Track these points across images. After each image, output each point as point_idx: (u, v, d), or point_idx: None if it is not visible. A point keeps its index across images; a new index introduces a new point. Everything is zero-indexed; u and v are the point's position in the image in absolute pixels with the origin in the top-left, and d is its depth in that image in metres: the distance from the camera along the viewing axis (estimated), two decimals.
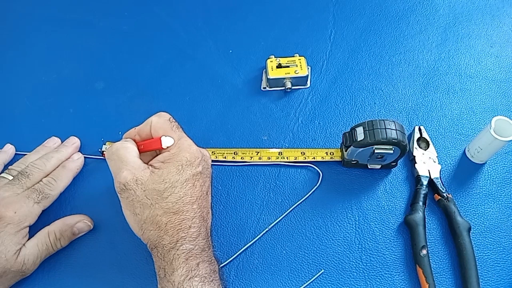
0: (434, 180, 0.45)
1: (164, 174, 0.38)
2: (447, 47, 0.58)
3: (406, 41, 0.59)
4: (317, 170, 0.48)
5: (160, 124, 0.40)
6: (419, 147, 0.48)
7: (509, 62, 0.56)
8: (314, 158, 0.48)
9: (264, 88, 0.55)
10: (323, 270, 0.42)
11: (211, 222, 0.41)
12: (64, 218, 0.43)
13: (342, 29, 0.60)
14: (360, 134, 0.43)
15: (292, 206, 0.46)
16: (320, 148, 0.49)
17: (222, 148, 0.50)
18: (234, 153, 0.49)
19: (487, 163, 0.48)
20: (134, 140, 0.42)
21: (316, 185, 0.47)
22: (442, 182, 0.45)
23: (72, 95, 0.55)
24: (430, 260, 0.41)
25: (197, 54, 0.59)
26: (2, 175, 0.44)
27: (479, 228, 0.44)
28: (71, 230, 0.43)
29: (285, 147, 0.50)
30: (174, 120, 0.41)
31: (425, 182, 0.45)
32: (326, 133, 0.51)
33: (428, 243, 0.42)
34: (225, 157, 0.49)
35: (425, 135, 0.49)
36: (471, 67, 0.56)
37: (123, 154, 0.39)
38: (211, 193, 0.42)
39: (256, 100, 0.54)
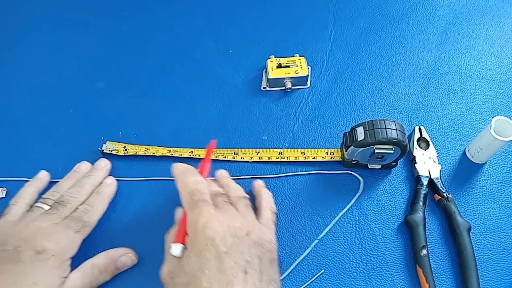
0: (434, 180, 0.45)
1: (185, 266, 0.34)
2: (447, 47, 0.58)
3: (406, 41, 0.59)
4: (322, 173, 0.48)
5: (182, 195, 0.38)
6: (419, 147, 0.48)
7: (509, 62, 0.56)
8: (314, 158, 0.48)
9: (264, 88, 0.55)
10: (323, 270, 0.42)
11: None
12: (108, 251, 0.42)
13: (342, 29, 0.60)
14: (360, 134, 0.43)
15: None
16: (320, 148, 0.49)
17: (223, 148, 0.50)
18: (234, 153, 0.49)
19: (487, 163, 0.48)
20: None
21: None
22: (442, 182, 0.45)
23: (72, 95, 0.55)
24: (430, 260, 0.41)
25: (197, 54, 0.59)
26: (37, 204, 0.42)
27: (479, 228, 0.44)
28: (115, 264, 0.41)
29: (285, 147, 0.50)
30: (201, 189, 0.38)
31: (425, 182, 0.45)
32: (326, 133, 0.51)
33: (428, 243, 0.42)
34: (225, 157, 0.49)
35: (425, 135, 0.49)
36: (471, 67, 0.56)
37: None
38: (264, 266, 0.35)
39: (256, 100, 0.54)
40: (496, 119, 0.44)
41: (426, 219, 0.44)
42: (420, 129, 0.49)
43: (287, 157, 0.49)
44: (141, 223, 0.46)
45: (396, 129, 0.42)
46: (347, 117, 0.52)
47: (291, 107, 0.54)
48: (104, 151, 0.49)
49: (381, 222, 0.45)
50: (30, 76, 0.58)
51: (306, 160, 0.48)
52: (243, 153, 0.49)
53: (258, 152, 0.49)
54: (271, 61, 0.55)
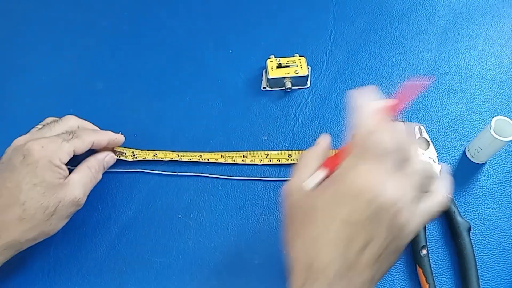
0: None
1: (314, 199, 0.31)
2: (447, 47, 0.58)
3: (406, 41, 0.59)
4: None
5: (358, 133, 0.31)
6: (419, 147, 0.48)
7: (509, 62, 0.56)
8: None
9: (264, 88, 0.55)
10: None
11: (374, 279, 0.30)
12: (95, 155, 0.45)
13: (342, 29, 0.60)
14: None
15: None
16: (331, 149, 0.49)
17: (231, 151, 0.50)
18: (243, 156, 0.49)
19: (487, 163, 0.48)
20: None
21: None
22: None
23: (72, 95, 0.55)
24: (430, 260, 0.41)
25: (197, 54, 0.59)
26: (36, 126, 0.44)
27: (479, 228, 0.44)
28: (103, 164, 0.46)
29: (285, 147, 0.50)
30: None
31: None
32: (326, 133, 0.51)
33: (428, 243, 0.42)
34: (234, 160, 0.49)
35: (425, 135, 0.49)
36: (471, 67, 0.56)
37: None
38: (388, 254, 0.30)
39: (256, 100, 0.54)
40: (496, 119, 0.44)
41: None
42: (420, 129, 0.49)
43: (297, 159, 0.48)
44: (142, 222, 0.46)
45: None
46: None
47: (291, 107, 0.54)
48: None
49: None
50: (30, 76, 0.58)
51: None
52: (252, 156, 0.49)
53: (268, 155, 0.49)
54: (271, 61, 0.55)
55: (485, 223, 0.44)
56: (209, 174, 0.48)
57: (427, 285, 0.40)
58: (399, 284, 0.41)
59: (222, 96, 0.55)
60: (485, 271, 0.42)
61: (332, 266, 0.29)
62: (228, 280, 0.42)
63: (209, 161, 0.49)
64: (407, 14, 0.61)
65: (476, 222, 0.44)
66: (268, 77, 0.54)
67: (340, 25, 0.61)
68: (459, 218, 0.43)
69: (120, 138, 0.47)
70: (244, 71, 0.57)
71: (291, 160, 0.49)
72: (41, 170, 0.38)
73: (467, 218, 0.44)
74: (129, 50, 0.60)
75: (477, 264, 0.41)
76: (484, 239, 0.43)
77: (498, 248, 0.43)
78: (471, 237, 0.42)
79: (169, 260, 0.43)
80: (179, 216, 0.46)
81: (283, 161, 0.49)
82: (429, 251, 0.42)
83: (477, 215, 0.45)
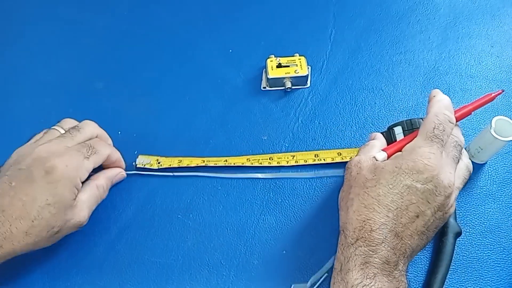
0: None
1: (380, 167, 0.36)
2: (447, 46, 0.58)
3: (407, 41, 0.59)
4: None
5: (427, 122, 0.37)
6: None
7: (509, 62, 0.56)
8: (351, 158, 0.48)
9: (264, 88, 0.55)
10: (326, 274, 0.42)
11: (412, 253, 0.35)
12: (105, 172, 0.45)
13: (342, 28, 0.60)
14: (399, 134, 0.42)
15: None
16: (356, 148, 0.49)
17: (257, 154, 0.49)
18: (269, 159, 0.49)
19: (488, 163, 0.48)
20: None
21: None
22: None
23: (72, 95, 0.55)
24: None
25: (197, 54, 0.59)
26: (54, 127, 0.44)
27: (479, 228, 0.44)
28: (112, 182, 0.46)
29: (285, 147, 0.50)
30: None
31: None
32: (326, 133, 0.51)
33: None
34: (260, 163, 0.48)
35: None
36: (472, 67, 0.56)
37: None
38: (429, 226, 0.35)
39: (256, 100, 0.54)
40: (497, 119, 0.43)
41: None
42: None
43: (324, 159, 0.48)
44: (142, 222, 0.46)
45: None
46: (347, 117, 0.52)
47: (291, 107, 0.53)
48: (138, 166, 0.49)
49: None
50: (30, 75, 0.58)
51: (343, 160, 0.48)
52: (279, 158, 0.49)
53: (294, 156, 0.49)
54: (271, 61, 0.55)
55: (485, 223, 0.44)
56: (209, 173, 0.48)
57: None
58: None
59: (222, 96, 0.55)
60: (485, 271, 0.42)
61: (384, 229, 0.33)
62: (228, 280, 0.42)
63: (235, 165, 0.48)
64: (407, 14, 0.61)
65: (476, 222, 0.44)
66: (268, 77, 0.54)
67: (340, 25, 0.61)
68: (451, 220, 0.42)
69: (123, 163, 0.48)
70: (244, 71, 0.57)
71: (318, 160, 0.48)
72: (60, 190, 0.38)
73: (467, 218, 0.44)
74: (129, 50, 0.60)
75: (449, 267, 0.40)
76: (484, 239, 0.43)
77: (498, 248, 0.43)
78: (456, 241, 0.42)
79: (169, 260, 0.43)
80: (179, 216, 0.46)
81: (310, 162, 0.48)
82: None
83: (477, 215, 0.45)
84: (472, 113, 0.40)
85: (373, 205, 0.34)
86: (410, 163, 0.35)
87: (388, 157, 0.38)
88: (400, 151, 0.38)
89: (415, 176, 0.34)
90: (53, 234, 0.39)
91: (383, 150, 0.39)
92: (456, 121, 0.39)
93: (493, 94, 0.40)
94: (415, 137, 0.37)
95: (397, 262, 0.33)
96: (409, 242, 0.34)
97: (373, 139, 0.42)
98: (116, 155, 0.46)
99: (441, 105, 0.38)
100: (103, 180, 0.44)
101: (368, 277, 0.32)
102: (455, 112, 0.39)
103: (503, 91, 0.40)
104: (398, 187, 0.34)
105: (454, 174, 0.36)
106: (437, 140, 0.36)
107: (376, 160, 0.37)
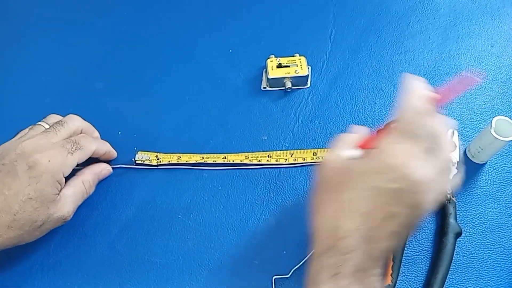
0: None
1: (350, 167, 0.33)
2: (447, 47, 0.58)
3: (407, 41, 0.59)
4: None
5: (401, 118, 0.34)
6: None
7: (509, 62, 0.56)
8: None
9: (264, 88, 0.55)
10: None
11: (388, 253, 0.34)
12: (91, 167, 0.46)
13: (342, 28, 0.60)
14: None
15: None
16: None
17: (256, 152, 0.49)
18: (268, 156, 0.49)
19: (488, 163, 0.48)
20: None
21: None
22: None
23: (72, 95, 0.55)
24: (407, 245, 0.42)
25: (197, 54, 0.59)
26: (39, 123, 0.44)
27: (479, 228, 0.44)
28: (98, 177, 0.46)
29: (285, 147, 0.50)
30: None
31: None
32: (326, 133, 0.51)
33: (416, 240, 0.43)
34: (259, 161, 0.49)
35: (454, 138, 0.48)
36: (472, 67, 0.56)
37: None
38: (405, 229, 0.32)
39: (256, 100, 0.54)
40: (497, 119, 0.43)
41: None
42: (452, 133, 0.48)
43: (323, 157, 0.48)
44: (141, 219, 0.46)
45: None
46: (347, 117, 0.52)
47: (291, 107, 0.53)
48: (137, 162, 0.49)
49: None
50: (30, 76, 0.58)
51: None
52: (277, 156, 0.49)
53: (292, 154, 0.49)
54: (271, 61, 0.55)
55: (485, 223, 0.44)
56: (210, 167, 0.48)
57: (391, 263, 0.40)
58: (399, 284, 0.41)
59: (222, 96, 0.55)
60: (485, 271, 0.42)
61: (355, 235, 0.31)
62: (228, 280, 0.42)
63: (234, 162, 0.48)
64: (407, 14, 0.61)
65: (476, 222, 0.44)
66: (268, 77, 0.54)
67: (340, 25, 0.61)
68: (451, 220, 0.42)
69: (114, 153, 0.48)
70: (244, 71, 0.57)
71: (317, 158, 0.48)
72: (42, 185, 0.38)
73: (467, 218, 0.44)
74: (129, 50, 0.60)
75: (450, 267, 0.40)
76: (484, 239, 0.43)
77: (498, 248, 0.43)
78: (457, 241, 0.42)
79: (169, 260, 0.43)
80: (179, 216, 0.46)
81: (308, 160, 0.48)
82: (409, 240, 0.42)
83: (477, 215, 0.45)
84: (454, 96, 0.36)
85: (342, 211, 0.32)
86: (378, 163, 0.32)
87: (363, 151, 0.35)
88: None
89: (384, 176, 0.31)
90: (36, 227, 0.39)
91: (359, 145, 0.36)
92: (436, 105, 0.35)
93: (473, 78, 0.35)
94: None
95: (370, 268, 0.31)
96: (383, 245, 0.31)
97: (354, 131, 0.39)
98: (105, 147, 0.46)
99: (410, 95, 0.35)
100: (89, 175, 0.45)
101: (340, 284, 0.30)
102: (432, 97, 0.35)
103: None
104: (368, 189, 0.32)
105: (429, 167, 0.32)
106: (407, 134, 0.33)
107: (348, 158, 0.34)
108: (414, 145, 0.32)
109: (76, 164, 0.42)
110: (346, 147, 0.36)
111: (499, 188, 0.46)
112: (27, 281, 0.42)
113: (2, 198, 0.37)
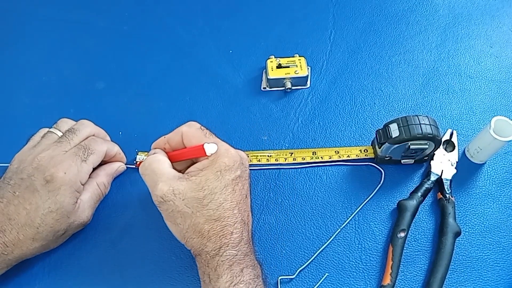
0: (443, 180, 0.45)
1: (203, 182, 0.37)
2: (446, 47, 0.58)
3: (406, 42, 0.59)
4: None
5: (192, 133, 0.40)
6: (445, 148, 0.48)
7: (508, 62, 0.56)
8: (348, 156, 0.48)
9: (264, 88, 0.55)
10: (327, 274, 0.42)
11: (252, 226, 0.40)
12: (104, 168, 0.46)
13: (342, 29, 0.60)
14: (394, 130, 0.43)
15: (357, 206, 0.46)
16: (354, 146, 0.49)
17: (257, 150, 0.50)
18: (268, 155, 0.49)
19: (487, 163, 0.48)
20: (165, 150, 0.42)
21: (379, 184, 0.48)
22: (450, 185, 0.45)
23: (72, 95, 0.55)
24: (406, 245, 0.42)
25: (197, 54, 0.59)
26: (51, 130, 0.44)
27: (479, 228, 0.44)
28: (113, 177, 0.47)
29: (285, 147, 0.50)
30: (205, 128, 0.41)
31: (432, 178, 0.45)
32: (326, 133, 0.51)
33: (412, 233, 0.43)
34: (259, 160, 0.49)
35: (454, 139, 0.48)
36: (471, 67, 0.56)
37: (156, 167, 0.39)
38: (250, 195, 0.41)
39: (256, 100, 0.54)
40: (496, 119, 0.44)
41: (418, 210, 0.44)
42: (452, 133, 0.49)
43: (321, 157, 0.49)
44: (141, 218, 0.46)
45: (430, 124, 0.42)
46: (347, 117, 0.52)
47: (291, 107, 0.54)
48: (138, 162, 0.49)
49: (380, 222, 0.45)
50: (30, 76, 0.58)
51: (340, 158, 0.48)
52: (277, 155, 0.49)
53: (292, 153, 0.49)
54: (271, 61, 0.55)
55: (484, 223, 0.44)
56: None
57: (391, 263, 0.40)
58: (399, 284, 0.41)
59: (222, 96, 0.55)
60: (485, 271, 0.42)
61: (238, 224, 0.37)
62: None
63: None
64: (406, 15, 0.62)
65: (475, 222, 0.44)
66: (268, 77, 0.54)
67: (340, 25, 0.61)
68: (451, 220, 0.43)
69: (123, 156, 0.48)
70: (244, 71, 0.57)
71: (316, 157, 0.49)
72: (61, 197, 0.39)
73: (467, 218, 0.44)
74: (129, 50, 0.60)
75: (449, 267, 0.41)
76: (484, 239, 0.43)
77: (498, 248, 0.43)
78: (456, 241, 0.42)
79: (170, 260, 0.43)
80: None
81: (307, 159, 0.49)
82: (408, 238, 0.42)
83: (476, 215, 0.45)
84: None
85: (222, 214, 0.37)
86: (225, 160, 0.38)
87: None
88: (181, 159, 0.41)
89: (231, 169, 0.38)
90: (59, 236, 0.41)
91: (178, 160, 0.41)
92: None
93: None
94: (184, 147, 0.41)
95: (252, 248, 0.38)
96: (250, 222, 0.39)
97: (154, 153, 0.41)
98: (115, 148, 0.46)
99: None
100: (104, 177, 0.45)
101: (236, 274, 0.35)
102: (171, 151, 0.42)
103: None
104: (228, 185, 0.38)
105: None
106: (212, 136, 0.41)
107: (191, 175, 0.38)
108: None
109: (92, 170, 0.42)
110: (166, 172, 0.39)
111: (498, 188, 0.46)
112: (27, 281, 0.42)
113: (24, 213, 0.38)
